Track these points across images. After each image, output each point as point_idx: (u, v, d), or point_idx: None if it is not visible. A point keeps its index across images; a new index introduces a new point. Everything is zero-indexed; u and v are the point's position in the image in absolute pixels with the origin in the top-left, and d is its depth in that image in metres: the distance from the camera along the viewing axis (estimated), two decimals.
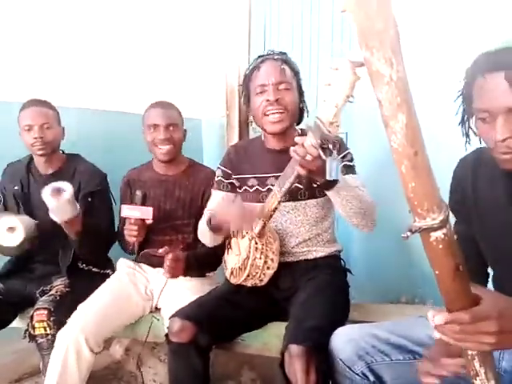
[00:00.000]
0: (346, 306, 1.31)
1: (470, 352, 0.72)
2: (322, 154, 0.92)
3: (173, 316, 1.20)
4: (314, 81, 2.22)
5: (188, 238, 1.61)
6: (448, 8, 1.65)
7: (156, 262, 1.61)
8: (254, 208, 1.19)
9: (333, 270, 1.35)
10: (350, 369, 1.01)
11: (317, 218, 1.35)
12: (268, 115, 1.27)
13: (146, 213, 1.46)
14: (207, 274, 1.66)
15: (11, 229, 1.47)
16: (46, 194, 1.35)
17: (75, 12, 2.02)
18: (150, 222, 1.47)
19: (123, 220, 1.55)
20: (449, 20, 1.65)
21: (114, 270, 1.70)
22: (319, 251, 1.37)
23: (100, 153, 1.95)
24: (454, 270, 0.60)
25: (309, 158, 0.95)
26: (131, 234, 1.46)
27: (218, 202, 1.40)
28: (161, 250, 1.44)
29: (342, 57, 0.92)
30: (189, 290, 1.49)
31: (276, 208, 1.14)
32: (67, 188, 1.38)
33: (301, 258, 1.36)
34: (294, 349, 1.01)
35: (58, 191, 1.36)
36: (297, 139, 0.97)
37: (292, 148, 0.98)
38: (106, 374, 1.97)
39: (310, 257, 1.36)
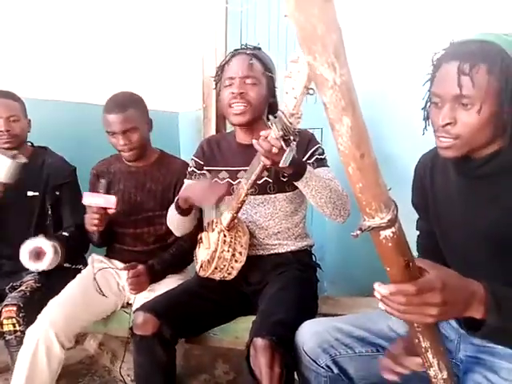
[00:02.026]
0: (313, 300, 1.33)
1: (423, 344, 0.75)
2: (283, 145, 0.96)
3: (137, 309, 1.22)
4: None
5: (160, 229, 1.59)
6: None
7: (128, 258, 1.60)
8: (219, 184, 1.23)
9: (302, 265, 1.37)
10: (314, 361, 1.03)
11: (286, 211, 1.37)
12: (232, 107, 1.30)
13: (109, 201, 1.42)
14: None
15: None
16: (25, 259, 1.36)
17: (42, 1, 1.96)
18: (112, 211, 1.43)
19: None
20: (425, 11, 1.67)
21: (86, 265, 1.68)
22: (290, 245, 1.39)
23: (69, 145, 1.91)
24: (403, 267, 0.62)
25: (274, 150, 0.98)
26: (92, 223, 1.43)
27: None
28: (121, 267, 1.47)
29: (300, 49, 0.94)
30: (161, 285, 1.49)
31: (244, 200, 1.16)
32: (47, 249, 1.40)
33: (271, 252, 1.38)
34: (259, 342, 1.03)
35: (37, 255, 1.39)
36: (262, 133, 1.01)
37: (254, 141, 1.01)
38: (80, 369, 1.96)
39: (281, 250, 1.38)
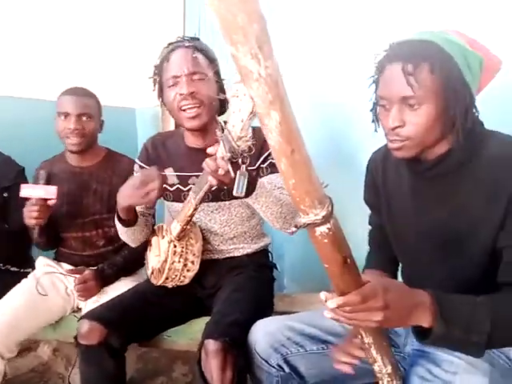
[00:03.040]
0: (269, 299, 1.32)
1: (366, 341, 0.76)
2: (230, 169, 0.89)
3: (82, 317, 1.15)
4: None
5: (109, 232, 1.53)
6: None
7: (77, 261, 1.53)
8: (151, 176, 1.08)
9: (258, 266, 1.34)
10: (266, 361, 1.02)
11: (243, 217, 1.32)
12: (184, 110, 1.18)
13: (50, 191, 1.33)
14: None
15: None
16: None
17: None
18: (53, 202, 1.35)
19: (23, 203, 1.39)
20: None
21: (34, 269, 1.60)
22: (246, 248, 1.36)
23: (17, 144, 1.81)
24: (341, 263, 0.62)
25: (221, 171, 0.91)
26: (31, 216, 1.32)
27: None
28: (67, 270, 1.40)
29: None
30: (112, 288, 1.44)
31: (193, 214, 1.11)
32: None
33: (226, 256, 1.34)
34: (211, 345, 1.00)
35: None
36: (209, 150, 0.93)
37: (205, 161, 0.94)
38: (32, 377, 1.87)
39: (237, 254, 1.35)
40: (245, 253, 1.35)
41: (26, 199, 1.37)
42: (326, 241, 0.59)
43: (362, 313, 0.65)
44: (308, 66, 1.86)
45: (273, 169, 1.25)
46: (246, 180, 0.93)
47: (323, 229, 0.57)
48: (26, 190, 1.35)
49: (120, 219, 1.21)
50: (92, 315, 1.14)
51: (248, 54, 0.42)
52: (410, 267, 1.04)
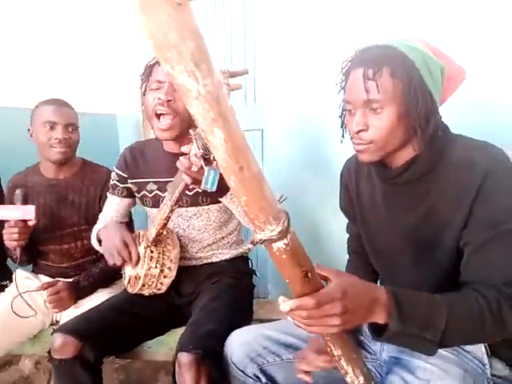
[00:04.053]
0: (248, 307, 1.30)
1: (335, 353, 0.75)
2: (203, 164, 0.90)
3: (55, 331, 1.13)
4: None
5: (88, 243, 1.49)
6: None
7: (55, 273, 1.51)
8: (130, 243, 1.16)
9: (237, 272, 1.33)
10: (242, 372, 1.01)
11: (221, 222, 1.32)
12: (158, 117, 1.17)
13: (28, 212, 1.31)
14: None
15: None
16: None
17: None
18: (32, 222, 1.33)
19: (1, 224, 1.36)
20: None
21: (11, 281, 1.57)
22: (225, 254, 1.35)
23: None
24: (301, 278, 0.60)
25: (194, 168, 0.93)
26: (12, 238, 1.31)
27: (106, 220, 1.35)
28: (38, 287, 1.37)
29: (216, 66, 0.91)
30: (88, 300, 1.41)
31: (169, 216, 1.10)
32: None
33: (204, 262, 1.34)
34: (184, 357, 0.98)
35: None
36: (183, 149, 0.96)
37: (179, 159, 0.95)
38: None
39: (215, 259, 1.34)
40: (223, 258, 1.35)
41: (4, 221, 1.33)
42: (284, 256, 0.57)
43: (318, 318, 0.63)
44: (286, 74, 1.85)
45: None
46: (217, 176, 0.93)
47: (280, 244, 0.56)
48: (2, 212, 1.31)
49: (100, 242, 1.24)
50: (65, 328, 1.12)
51: (184, 72, 0.41)
52: (384, 274, 1.04)
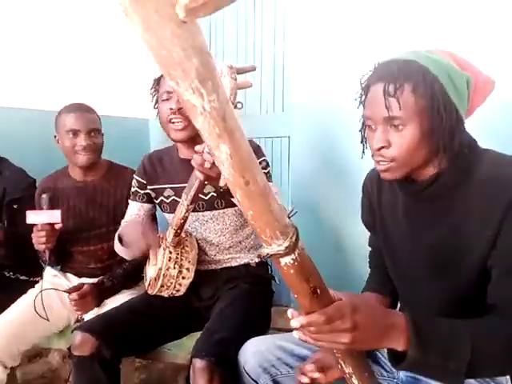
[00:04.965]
0: (264, 315, 1.30)
1: (346, 370, 0.73)
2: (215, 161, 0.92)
3: (75, 329, 1.17)
4: (257, 85, 2.21)
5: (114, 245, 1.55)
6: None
7: (81, 272, 1.56)
8: (150, 234, 1.18)
9: (256, 277, 1.33)
10: (255, 382, 1.00)
11: (236, 225, 1.33)
12: (173, 123, 1.24)
13: (54, 216, 1.36)
14: None
15: None
16: None
17: None
18: (59, 226, 1.37)
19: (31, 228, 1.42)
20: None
21: (42, 278, 1.63)
22: (243, 258, 1.35)
23: (32, 155, 1.88)
24: (309, 293, 0.60)
25: (207, 165, 0.95)
26: (40, 242, 1.36)
27: (131, 216, 1.39)
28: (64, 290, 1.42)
29: (223, 62, 0.92)
30: (112, 300, 1.45)
31: (186, 217, 1.12)
32: None
33: (223, 266, 1.35)
34: (198, 363, 0.99)
35: None
36: (197, 147, 0.98)
37: (193, 157, 0.98)
38: (41, 383, 1.92)
39: (234, 264, 1.35)
40: (242, 263, 1.35)
41: (34, 224, 1.39)
42: (292, 271, 0.57)
43: (328, 334, 0.62)
44: (314, 82, 1.84)
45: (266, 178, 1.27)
46: None
47: (287, 259, 0.55)
48: (30, 217, 1.37)
49: (120, 240, 1.28)
50: (84, 326, 1.17)
51: (189, 89, 0.41)
52: (404, 290, 1.01)
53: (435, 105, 0.75)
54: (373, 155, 0.83)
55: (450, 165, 0.79)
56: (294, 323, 0.62)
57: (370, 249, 1.19)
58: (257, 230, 0.53)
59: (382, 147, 0.79)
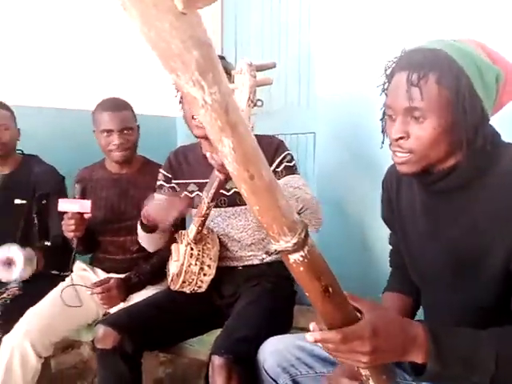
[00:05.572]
0: (286, 314, 1.28)
1: (363, 373, 0.71)
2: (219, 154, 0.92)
3: (98, 322, 1.20)
4: (282, 81, 2.19)
5: None
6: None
7: (109, 267, 1.60)
8: (177, 199, 1.20)
9: (276, 276, 1.32)
10: (274, 381, 0.99)
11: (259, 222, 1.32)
12: (195, 119, 1.27)
13: (85, 206, 1.41)
14: None
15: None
16: None
17: (26, 11, 2.00)
18: (88, 215, 1.42)
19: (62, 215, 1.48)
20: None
21: (72, 272, 1.69)
22: (265, 256, 1.34)
23: (63, 152, 1.94)
24: (321, 292, 0.58)
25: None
26: (69, 229, 1.41)
27: None
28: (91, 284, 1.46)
29: (243, 59, 0.91)
30: (138, 295, 1.48)
31: (207, 214, 1.13)
32: (17, 259, 1.40)
33: (245, 264, 1.34)
34: (216, 360, 1.00)
35: (8, 264, 1.40)
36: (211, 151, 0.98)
37: (208, 154, 0.99)
38: (73, 373, 1.99)
39: (256, 262, 1.34)
40: (265, 261, 1.34)
41: (64, 212, 1.45)
42: (301, 269, 0.55)
43: (345, 353, 0.61)
44: (339, 77, 1.80)
45: (288, 171, 1.28)
46: None
47: (296, 256, 0.54)
48: (62, 205, 1.43)
49: (142, 225, 1.29)
50: (107, 320, 1.20)
51: (189, 82, 0.41)
52: (424, 289, 0.97)
53: (460, 98, 0.71)
54: (390, 145, 0.80)
55: (470, 158, 0.75)
56: (309, 338, 0.61)
57: (390, 247, 1.16)
58: (264, 226, 0.52)
59: (401, 138, 0.76)
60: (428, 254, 0.88)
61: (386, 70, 0.82)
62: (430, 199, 0.87)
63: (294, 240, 0.52)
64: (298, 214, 1.11)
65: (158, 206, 1.18)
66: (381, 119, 0.87)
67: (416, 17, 1.55)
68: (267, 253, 0.55)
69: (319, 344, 0.65)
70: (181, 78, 0.41)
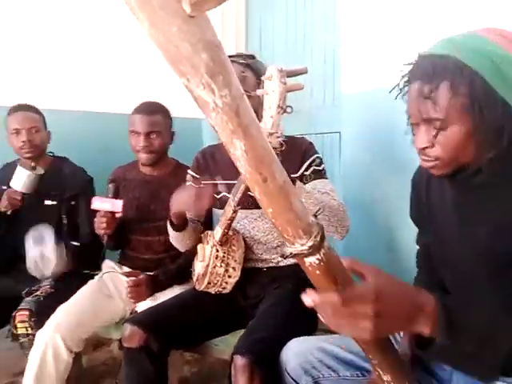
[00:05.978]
0: (309, 316, 1.26)
1: (384, 378, 0.69)
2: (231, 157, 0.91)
3: (125, 321, 1.22)
4: (308, 81, 2.16)
5: (169, 239, 1.61)
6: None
7: (137, 265, 1.63)
8: (204, 188, 1.19)
9: (300, 279, 1.29)
10: (296, 383, 0.98)
11: None
12: None
13: (116, 205, 1.46)
14: None
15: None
16: (29, 243, 1.46)
17: (62, 15, 2.07)
18: (119, 215, 1.47)
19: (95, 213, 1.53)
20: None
21: (101, 271, 1.74)
22: (290, 259, 1.33)
23: (92, 155, 2.00)
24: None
25: None
26: (100, 227, 1.46)
27: None
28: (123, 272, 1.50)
29: (274, 65, 0.89)
30: (164, 294, 1.50)
31: (233, 217, 1.13)
32: (50, 256, 1.48)
33: (270, 265, 1.33)
34: (238, 360, 1.00)
35: (41, 261, 1.48)
36: None
37: None
38: (103, 370, 2.04)
39: (280, 264, 1.33)
40: (288, 263, 1.32)
41: (96, 210, 1.50)
42: (317, 272, 0.54)
43: (346, 317, 0.56)
44: (365, 76, 1.77)
45: (316, 175, 1.26)
46: None
47: (312, 259, 0.53)
48: (95, 203, 1.49)
49: (171, 223, 1.30)
50: (134, 319, 1.22)
51: (200, 85, 0.41)
52: (454, 285, 0.93)
53: (475, 103, 0.68)
54: (418, 152, 0.79)
55: (502, 154, 0.72)
56: (307, 300, 0.55)
57: (417, 247, 1.12)
58: (278, 229, 0.52)
59: (426, 147, 0.75)
60: (459, 253, 0.85)
61: (402, 77, 0.80)
62: (461, 196, 0.84)
63: (310, 243, 0.52)
64: (315, 216, 1.09)
65: (186, 196, 1.19)
66: (407, 124, 0.85)
67: (442, 14, 1.49)
68: (282, 256, 0.54)
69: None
70: (191, 81, 0.41)
